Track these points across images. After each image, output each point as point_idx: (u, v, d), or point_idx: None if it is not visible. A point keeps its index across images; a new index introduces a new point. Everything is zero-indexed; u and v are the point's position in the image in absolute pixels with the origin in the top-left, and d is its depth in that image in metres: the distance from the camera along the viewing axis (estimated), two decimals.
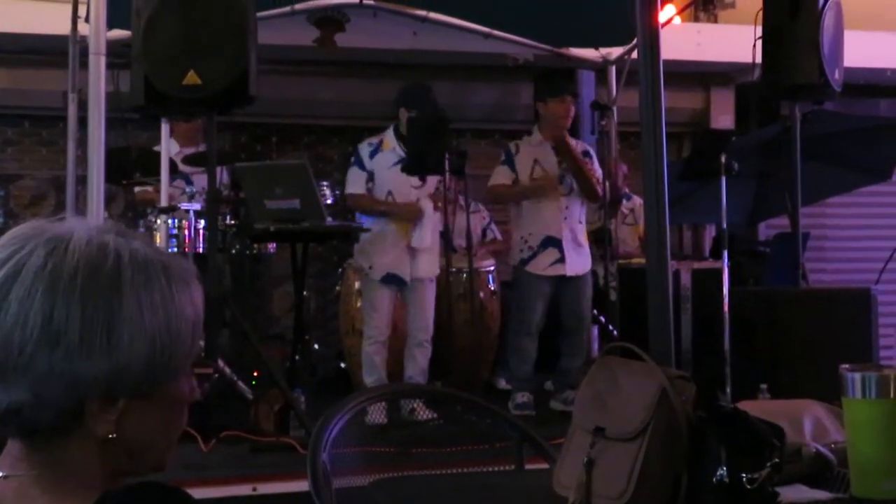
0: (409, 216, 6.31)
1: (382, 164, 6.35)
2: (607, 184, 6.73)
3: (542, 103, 6.60)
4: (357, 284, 7.05)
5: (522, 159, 6.57)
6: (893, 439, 1.88)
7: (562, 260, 6.48)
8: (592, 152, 6.75)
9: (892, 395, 1.89)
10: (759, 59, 6.48)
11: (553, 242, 6.48)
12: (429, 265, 6.39)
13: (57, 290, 1.23)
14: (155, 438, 1.34)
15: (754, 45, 6.51)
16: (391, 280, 6.33)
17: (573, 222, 6.55)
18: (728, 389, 5.62)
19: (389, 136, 6.42)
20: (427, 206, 6.33)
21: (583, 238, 6.61)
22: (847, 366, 1.93)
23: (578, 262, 6.53)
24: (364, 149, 6.45)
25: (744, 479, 1.69)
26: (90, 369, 1.23)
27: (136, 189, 6.95)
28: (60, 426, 1.26)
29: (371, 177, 6.38)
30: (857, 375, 1.90)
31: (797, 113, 6.66)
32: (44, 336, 1.22)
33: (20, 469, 1.27)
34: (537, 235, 6.49)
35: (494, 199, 7.03)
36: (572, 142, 6.56)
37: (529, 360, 6.51)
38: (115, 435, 1.28)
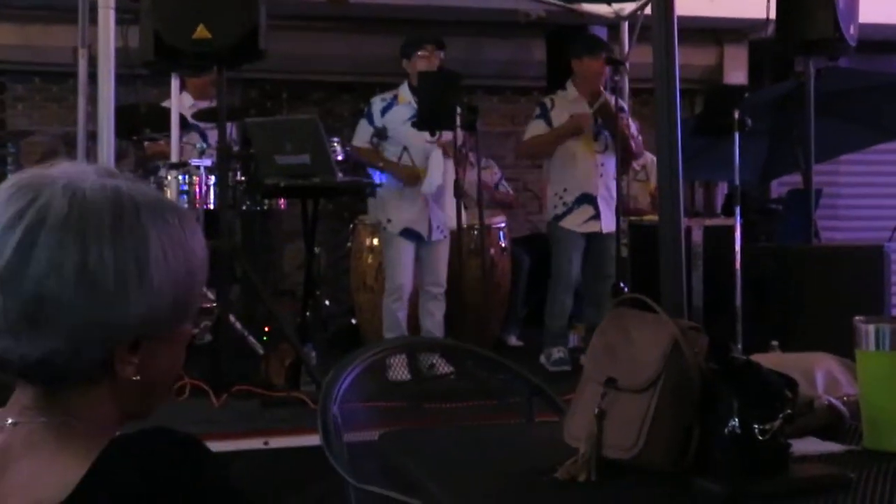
0: (407, 180, 6.28)
1: (397, 120, 6.31)
2: (640, 139, 6.73)
3: (578, 60, 6.58)
4: (368, 241, 7.04)
5: (558, 113, 6.56)
6: None
7: (597, 217, 6.49)
8: (626, 107, 6.73)
9: None
10: (772, 15, 6.42)
11: (588, 199, 6.49)
12: (444, 219, 6.35)
13: (87, 236, 1.22)
14: (168, 377, 1.36)
15: (768, 1, 6.45)
16: (410, 235, 6.31)
17: (608, 179, 6.55)
18: (739, 346, 5.61)
19: (404, 91, 6.38)
20: (437, 153, 6.27)
21: (615, 194, 6.61)
22: (861, 318, 1.92)
23: (611, 218, 6.53)
24: (376, 104, 6.42)
25: (756, 431, 1.68)
26: (126, 314, 1.23)
27: (146, 143, 6.94)
28: (90, 373, 1.26)
29: (379, 132, 6.34)
30: (871, 327, 1.89)
31: (811, 69, 6.60)
32: (80, 283, 1.21)
33: (28, 416, 1.27)
34: (572, 192, 6.49)
35: (530, 152, 7.02)
36: (609, 97, 6.56)
37: (564, 314, 6.54)
38: (138, 377, 1.28)
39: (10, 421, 1.27)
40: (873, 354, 1.90)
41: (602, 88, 6.51)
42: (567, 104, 6.59)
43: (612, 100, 6.59)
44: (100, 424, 1.28)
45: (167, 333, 1.30)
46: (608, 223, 6.50)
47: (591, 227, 6.50)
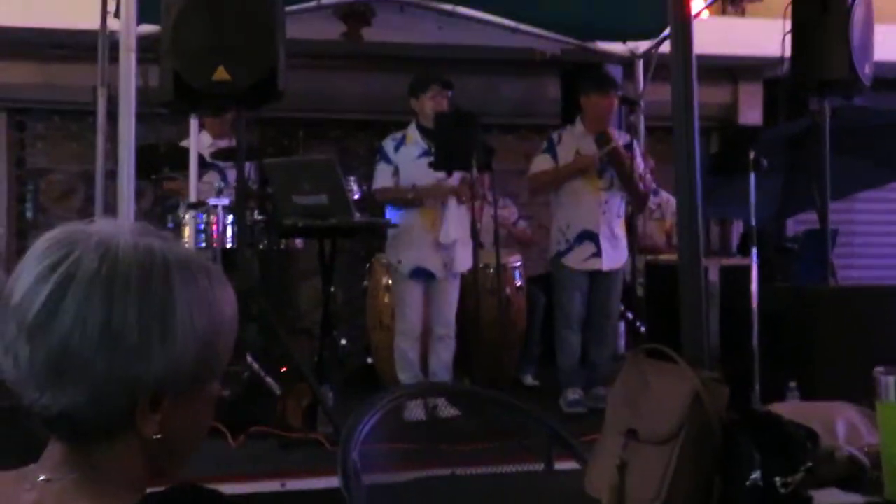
0: (438, 195, 6.29)
1: (407, 158, 6.36)
2: (649, 177, 6.74)
3: (586, 97, 6.60)
4: (385, 280, 7.06)
5: (564, 148, 6.57)
6: None
7: (598, 254, 6.47)
8: (637, 145, 6.74)
9: None
10: (787, 54, 6.44)
11: (590, 236, 6.47)
12: (458, 260, 6.37)
13: (114, 293, 1.24)
14: (192, 436, 1.37)
15: (783, 40, 6.47)
16: (420, 274, 6.33)
17: (611, 216, 6.55)
18: (756, 387, 5.59)
19: (412, 130, 6.44)
20: (452, 203, 6.31)
21: (620, 231, 6.60)
22: (881, 369, 1.92)
23: (614, 256, 6.53)
24: (388, 143, 6.47)
25: (777, 483, 1.69)
26: (146, 370, 1.25)
27: (164, 181, 6.98)
28: (111, 428, 1.28)
29: (396, 170, 6.38)
30: (892, 379, 1.89)
31: (826, 108, 6.61)
32: (103, 339, 1.23)
33: (61, 472, 1.28)
34: (574, 228, 6.49)
35: (534, 187, 7.02)
36: (615, 134, 6.57)
37: (573, 353, 6.50)
38: (160, 435, 1.29)
39: (42, 477, 1.29)
40: (894, 406, 1.90)
41: (611, 130, 6.51)
42: (574, 139, 6.60)
43: (623, 138, 6.61)
44: (128, 481, 1.30)
45: (191, 392, 1.32)
46: (610, 261, 6.49)
47: (592, 265, 6.47)
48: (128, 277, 1.25)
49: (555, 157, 6.59)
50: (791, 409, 2.28)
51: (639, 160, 6.64)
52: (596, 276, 6.52)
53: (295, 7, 7.03)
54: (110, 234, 1.29)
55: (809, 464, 1.72)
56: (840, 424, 2.15)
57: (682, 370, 1.85)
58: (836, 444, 2.06)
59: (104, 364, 1.23)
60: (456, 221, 6.31)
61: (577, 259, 6.49)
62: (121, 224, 1.33)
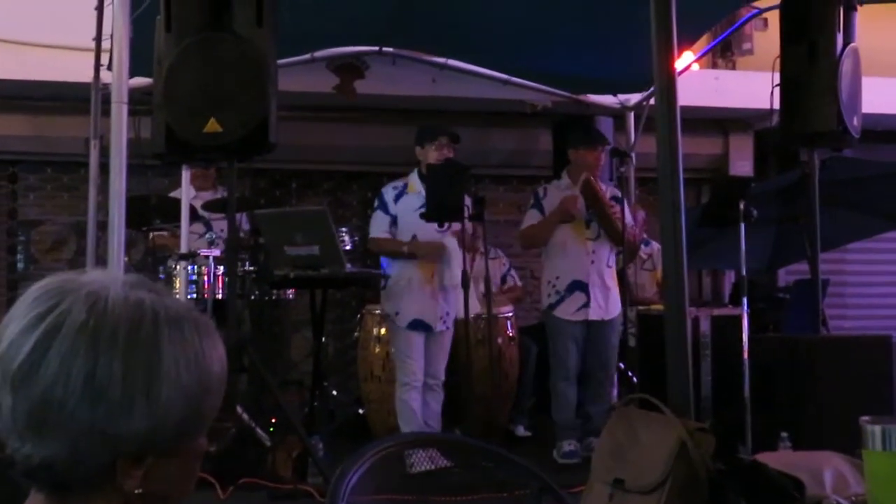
0: (434, 253, 6.29)
1: (408, 208, 6.32)
2: (636, 230, 6.76)
3: (574, 150, 6.68)
4: (376, 331, 7.04)
5: (550, 202, 6.62)
6: None
7: (588, 304, 6.49)
8: (623, 198, 6.78)
9: None
10: (777, 106, 6.48)
11: (580, 286, 6.50)
12: (454, 310, 6.34)
13: (99, 346, 1.23)
14: (176, 492, 1.34)
15: (772, 92, 6.52)
16: (418, 326, 6.31)
17: (601, 266, 6.57)
18: (748, 437, 5.58)
19: (414, 180, 6.41)
20: (451, 242, 6.28)
21: (611, 282, 6.62)
22: (867, 418, 1.92)
23: (606, 306, 6.54)
24: (388, 192, 6.44)
25: None
26: (129, 427, 1.23)
27: (153, 234, 6.99)
28: (91, 481, 1.26)
29: (395, 221, 6.38)
30: (878, 428, 1.89)
31: (816, 159, 6.65)
32: (86, 392, 1.22)
33: None
34: (564, 279, 6.52)
35: (526, 242, 7.05)
36: (602, 187, 6.61)
37: (569, 405, 6.50)
38: (141, 490, 1.27)
39: None
40: (880, 454, 1.90)
41: (592, 178, 6.54)
42: (559, 193, 6.64)
43: (610, 191, 6.65)
44: None
45: (175, 448, 1.30)
46: (601, 311, 6.51)
47: (584, 315, 6.50)
48: (115, 331, 1.24)
49: (542, 211, 6.64)
50: (779, 458, 2.27)
51: (627, 214, 6.66)
52: (590, 327, 6.53)
53: (288, 60, 7.07)
54: (101, 285, 1.28)
55: None
56: (827, 474, 2.14)
57: (668, 420, 1.84)
58: (823, 494, 2.05)
59: (86, 417, 1.22)
60: (456, 263, 6.23)
61: (569, 310, 6.51)
62: (113, 275, 1.32)
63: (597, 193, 6.49)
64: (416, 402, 6.27)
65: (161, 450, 1.28)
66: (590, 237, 6.56)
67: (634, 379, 6.89)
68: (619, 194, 6.75)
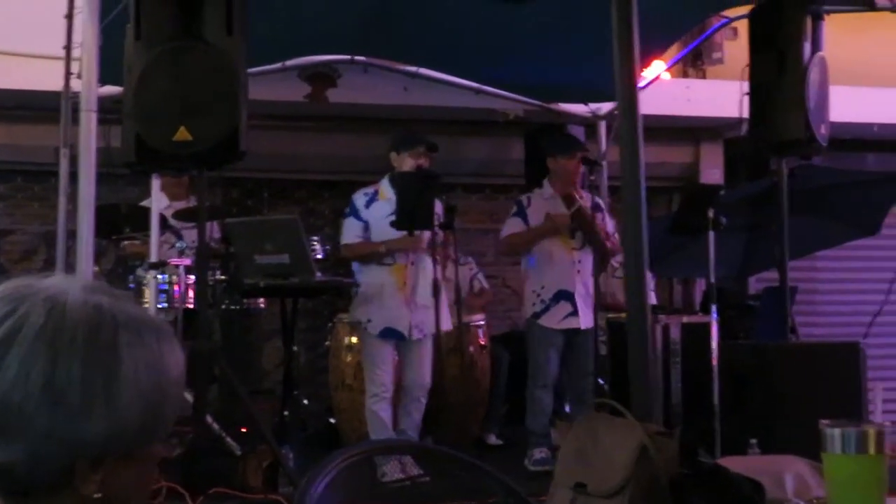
0: (409, 246, 6.26)
1: (379, 215, 6.30)
2: (616, 237, 6.81)
3: (553, 159, 6.72)
4: (347, 339, 7.03)
5: (534, 211, 6.65)
6: (873, 495, 1.89)
7: (575, 313, 6.54)
8: (603, 205, 6.82)
9: (871, 450, 1.90)
10: (746, 115, 6.52)
11: (566, 296, 6.54)
12: (429, 320, 6.27)
13: (58, 350, 1.23)
14: (134, 496, 1.34)
15: (741, 101, 6.57)
16: (390, 334, 6.29)
17: (585, 276, 6.62)
18: (718, 444, 5.60)
19: (385, 186, 6.39)
20: (427, 260, 6.25)
21: (593, 291, 6.65)
22: (827, 421, 1.93)
23: (590, 314, 6.58)
24: (359, 199, 6.43)
25: None
26: (88, 431, 1.23)
27: (124, 242, 6.96)
28: (49, 486, 1.26)
29: (367, 227, 6.35)
30: (837, 431, 1.91)
31: (784, 167, 6.70)
32: (45, 396, 1.22)
33: None
34: (550, 289, 6.56)
35: (508, 250, 7.08)
36: (583, 194, 6.65)
37: (545, 413, 6.53)
38: (100, 494, 1.27)
39: None
40: (840, 457, 1.92)
41: (576, 192, 6.59)
42: (543, 202, 6.68)
43: (589, 198, 6.69)
44: None
45: (133, 453, 1.30)
46: (587, 320, 6.55)
47: (570, 324, 6.54)
48: (74, 335, 1.24)
49: (525, 220, 6.67)
50: (742, 462, 2.29)
51: (608, 220, 6.71)
52: (572, 336, 6.57)
53: (259, 68, 7.07)
54: (60, 290, 1.28)
55: None
56: (789, 478, 2.16)
57: (630, 424, 1.86)
58: (784, 497, 2.07)
59: (44, 421, 1.22)
60: (428, 280, 6.22)
61: (554, 319, 6.55)
62: (72, 280, 1.32)
63: (587, 216, 6.53)
64: (386, 412, 6.25)
65: (120, 454, 1.28)
66: (575, 247, 6.62)
67: (605, 386, 6.91)
68: (600, 202, 6.81)
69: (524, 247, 6.71)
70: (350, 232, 6.40)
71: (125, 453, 1.28)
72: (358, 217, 6.37)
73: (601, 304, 6.95)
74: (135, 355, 1.27)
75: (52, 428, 1.22)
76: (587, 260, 6.64)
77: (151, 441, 1.32)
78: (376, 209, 6.35)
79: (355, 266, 6.51)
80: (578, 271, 6.60)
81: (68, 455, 1.24)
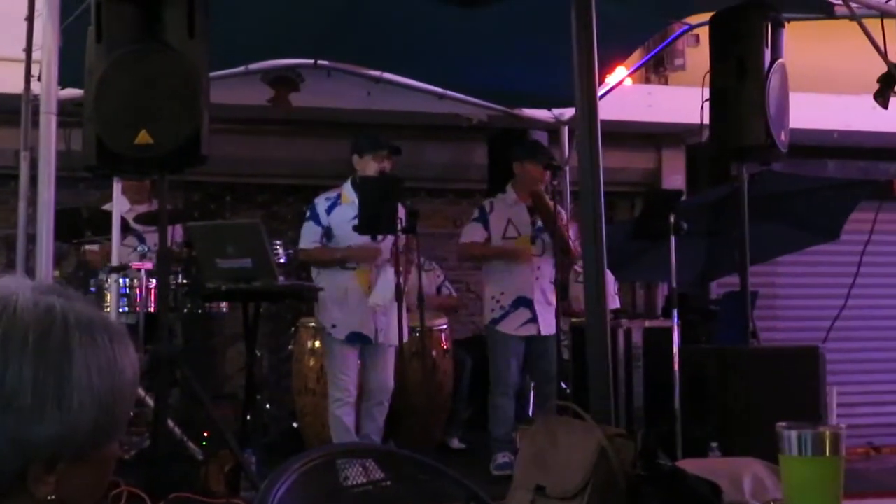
0: (368, 257, 6.25)
1: (342, 219, 6.30)
2: (577, 243, 6.83)
3: (520, 164, 6.73)
4: (310, 344, 7.02)
5: (496, 218, 6.66)
6: (829, 497, 1.90)
7: (534, 320, 6.55)
8: (563, 211, 6.84)
9: (827, 452, 1.91)
10: (707, 121, 6.57)
11: (525, 302, 6.56)
12: (393, 327, 6.25)
13: (8, 352, 1.22)
14: (89, 497, 1.34)
15: (702, 107, 6.61)
16: (356, 339, 6.28)
17: (544, 282, 6.63)
18: (679, 447, 5.64)
19: (348, 190, 6.39)
20: (389, 269, 6.23)
21: (553, 298, 6.67)
22: (784, 423, 1.95)
23: (550, 320, 6.59)
24: (321, 203, 6.41)
25: None
26: (40, 433, 1.23)
27: (84, 248, 6.92)
28: (2, 489, 1.25)
29: (327, 232, 6.34)
30: (794, 433, 1.92)
31: (745, 173, 6.75)
32: None
33: None
34: (509, 295, 6.57)
35: (465, 256, 7.09)
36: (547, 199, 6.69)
37: (507, 419, 6.54)
38: (53, 497, 1.26)
39: None
40: (796, 459, 1.93)
41: (541, 190, 6.62)
42: (506, 208, 6.69)
43: (551, 204, 6.71)
44: None
45: (87, 454, 1.29)
46: (546, 326, 6.56)
47: (528, 331, 6.55)
48: (25, 337, 1.23)
49: (486, 226, 6.68)
50: (701, 465, 2.31)
51: (571, 228, 6.75)
52: (533, 342, 6.58)
53: (222, 72, 7.04)
54: (10, 291, 1.27)
55: None
56: (747, 480, 2.18)
57: (588, 426, 1.87)
58: (742, 499, 2.09)
59: None
60: (389, 286, 6.21)
61: (513, 325, 6.56)
62: (22, 281, 1.31)
63: (546, 204, 6.55)
64: (350, 417, 6.25)
65: (73, 456, 1.27)
66: (536, 253, 6.63)
67: (568, 390, 6.93)
68: (561, 210, 6.83)
69: (481, 260, 6.74)
70: (308, 237, 6.39)
71: (79, 455, 1.27)
72: (318, 222, 6.35)
73: (566, 310, 6.99)
74: (87, 356, 1.27)
75: (4, 430, 1.21)
76: (547, 267, 6.66)
77: (105, 442, 1.31)
78: (339, 213, 6.33)
79: (314, 271, 6.49)
80: (537, 278, 6.63)
81: (21, 457, 1.23)
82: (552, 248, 6.60)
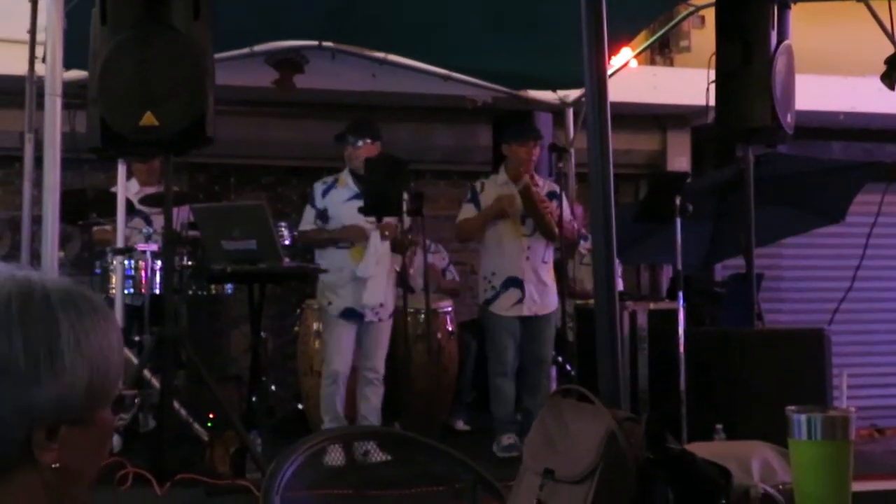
0: (354, 238, 6.34)
1: (337, 200, 6.43)
2: (575, 225, 6.81)
3: (507, 145, 6.72)
4: (315, 325, 7.03)
5: (487, 197, 6.65)
6: (838, 480, 1.90)
7: (522, 300, 6.53)
8: (561, 193, 6.81)
9: (837, 436, 1.91)
10: (713, 103, 6.55)
11: (515, 283, 6.54)
12: (378, 298, 6.34)
13: None
14: (90, 464, 1.37)
15: (708, 89, 6.59)
16: (351, 315, 6.33)
17: (536, 262, 6.61)
18: (684, 430, 5.64)
19: (345, 174, 6.51)
20: (375, 236, 6.31)
21: (548, 277, 6.66)
22: (793, 407, 1.95)
23: (542, 301, 6.58)
24: (318, 187, 6.55)
25: None
26: (39, 396, 1.25)
27: (94, 228, 6.92)
28: (7, 459, 1.27)
29: (321, 214, 6.44)
30: (803, 417, 1.92)
31: (751, 155, 6.73)
32: None
33: None
34: (500, 275, 6.56)
35: (461, 235, 7.08)
36: (539, 181, 6.66)
37: (508, 400, 6.53)
38: (58, 464, 1.29)
39: None
40: (806, 443, 1.93)
41: (526, 175, 6.58)
42: (496, 188, 6.69)
43: (548, 186, 6.69)
44: None
45: (86, 417, 1.32)
46: (536, 307, 6.55)
47: (519, 311, 6.54)
48: (8, 305, 1.27)
49: (478, 205, 6.68)
50: (709, 448, 2.31)
51: (566, 209, 6.70)
52: (527, 323, 6.56)
53: (226, 54, 7.03)
54: None
55: (723, 502, 1.74)
56: (755, 463, 2.18)
57: (597, 410, 1.86)
58: (750, 483, 2.09)
59: None
60: (375, 258, 6.29)
61: (504, 306, 6.55)
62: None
63: (533, 198, 6.53)
64: (339, 395, 6.32)
65: (73, 418, 1.30)
66: (525, 233, 6.61)
67: (573, 373, 6.94)
68: (557, 189, 6.79)
69: (476, 231, 6.72)
70: (305, 220, 6.56)
71: (77, 418, 1.30)
72: (313, 205, 6.50)
73: (569, 291, 6.98)
74: (72, 321, 1.30)
75: (4, 399, 1.24)
76: (537, 247, 6.64)
77: (101, 404, 1.34)
78: (334, 195, 6.46)
79: (316, 252, 6.59)
80: (528, 258, 6.60)
81: (22, 422, 1.26)
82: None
